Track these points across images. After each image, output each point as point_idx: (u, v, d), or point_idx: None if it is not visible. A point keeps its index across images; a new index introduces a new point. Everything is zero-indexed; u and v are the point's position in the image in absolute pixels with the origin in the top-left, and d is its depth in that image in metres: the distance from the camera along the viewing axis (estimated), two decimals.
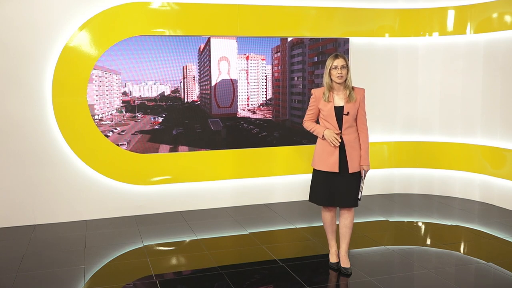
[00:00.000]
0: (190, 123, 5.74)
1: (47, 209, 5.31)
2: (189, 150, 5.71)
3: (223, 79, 5.82)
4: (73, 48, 5.18)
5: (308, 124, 3.91)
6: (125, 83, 5.49)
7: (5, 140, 5.13)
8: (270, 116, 6.06)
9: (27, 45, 5.07)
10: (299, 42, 6.01)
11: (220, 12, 5.60)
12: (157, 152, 5.61)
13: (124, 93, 5.51)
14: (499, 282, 3.80)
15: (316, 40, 6.05)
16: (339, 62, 3.68)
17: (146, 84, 5.57)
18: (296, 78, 6.08)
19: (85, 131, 5.32)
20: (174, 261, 4.29)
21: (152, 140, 5.60)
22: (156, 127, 5.63)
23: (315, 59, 6.10)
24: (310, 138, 6.07)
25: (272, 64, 5.99)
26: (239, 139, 5.91)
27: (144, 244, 4.62)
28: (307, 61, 6.06)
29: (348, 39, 6.10)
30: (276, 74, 6.03)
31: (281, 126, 6.12)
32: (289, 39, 5.96)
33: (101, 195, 5.47)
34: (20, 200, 5.23)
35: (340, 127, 3.75)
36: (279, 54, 5.98)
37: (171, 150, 5.66)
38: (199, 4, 5.52)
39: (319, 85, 6.09)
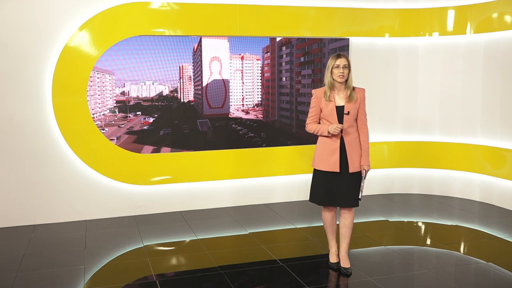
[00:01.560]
0: (179, 123, 5.70)
1: (47, 209, 5.31)
2: (171, 151, 5.64)
3: (214, 79, 5.79)
4: (73, 48, 5.18)
5: (310, 126, 3.85)
6: (124, 83, 5.48)
7: (5, 140, 5.13)
8: (261, 116, 6.04)
9: (27, 45, 5.07)
10: (287, 42, 5.99)
11: (220, 12, 5.59)
12: (140, 152, 5.55)
13: (123, 93, 5.50)
14: (499, 282, 3.80)
15: (303, 40, 6.03)
16: (341, 61, 3.68)
17: (145, 84, 5.56)
18: (284, 78, 6.06)
19: (85, 131, 5.32)
20: (174, 261, 4.29)
21: (137, 141, 5.54)
22: (145, 127, 5.60)
23: (301, 59, 6.09)
24: (295, 139, 6.08)
25: (262, 64, 5.98)
26: (227, 140, 5.87)
27: (144, 244, 4.62)
28: (294, 61, 6.05)
29: (346, 39, 6.09)
30: (266, 75, 6.02)
31: (270, 127, 6.08)
32: (278, 39, 5.94)
33: (101, 195, 5.47)
34: (20, 200, 5.23)
35: None
36: (269, 54, 5.97)
37: (154, 151, 5.59)
38: (199, 4, 5.51)
39: (305, 86, 6.09)
